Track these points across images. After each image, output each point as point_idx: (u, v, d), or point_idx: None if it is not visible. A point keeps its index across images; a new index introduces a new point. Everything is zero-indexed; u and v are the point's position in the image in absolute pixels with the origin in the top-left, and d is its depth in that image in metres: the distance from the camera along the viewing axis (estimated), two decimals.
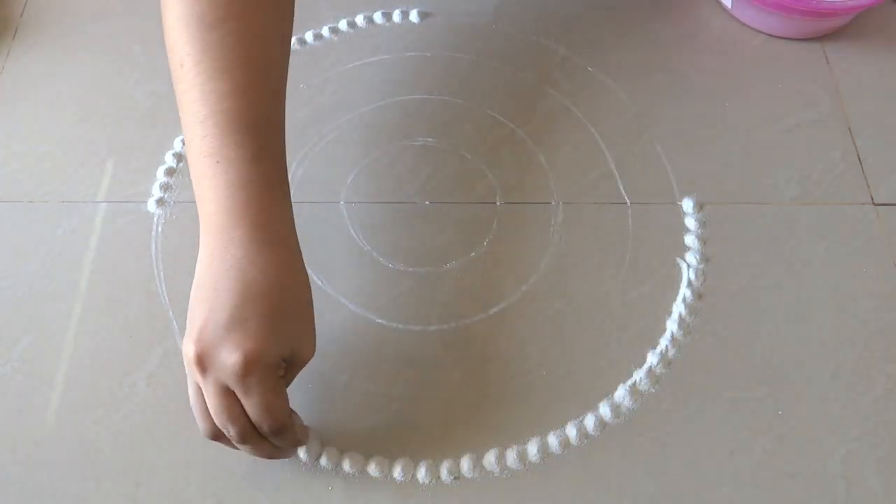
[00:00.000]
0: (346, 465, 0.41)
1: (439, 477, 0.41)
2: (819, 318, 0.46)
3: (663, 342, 0.45)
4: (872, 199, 0.51)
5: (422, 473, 0.41)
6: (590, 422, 0.43)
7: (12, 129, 0.54)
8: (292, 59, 0.58)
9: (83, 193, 0.51)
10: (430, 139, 0.53)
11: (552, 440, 0.42)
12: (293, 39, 0.58)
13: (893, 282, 0.47)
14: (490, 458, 0.42)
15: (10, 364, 0.45)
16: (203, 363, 0.35)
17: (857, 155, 0.53)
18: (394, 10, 0.59)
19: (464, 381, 0.44)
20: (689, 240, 0.49)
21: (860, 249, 0.49)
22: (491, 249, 0.49)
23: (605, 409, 0.43)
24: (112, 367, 0.45)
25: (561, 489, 0.41)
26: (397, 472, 0.41)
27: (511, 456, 0.42)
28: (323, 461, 0.42)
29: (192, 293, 0.37)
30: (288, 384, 0.38)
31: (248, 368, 0.34)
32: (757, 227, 0.49)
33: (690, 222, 0.50)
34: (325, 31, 0.58)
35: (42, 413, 0.43)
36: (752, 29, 0.59)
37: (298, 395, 0.44)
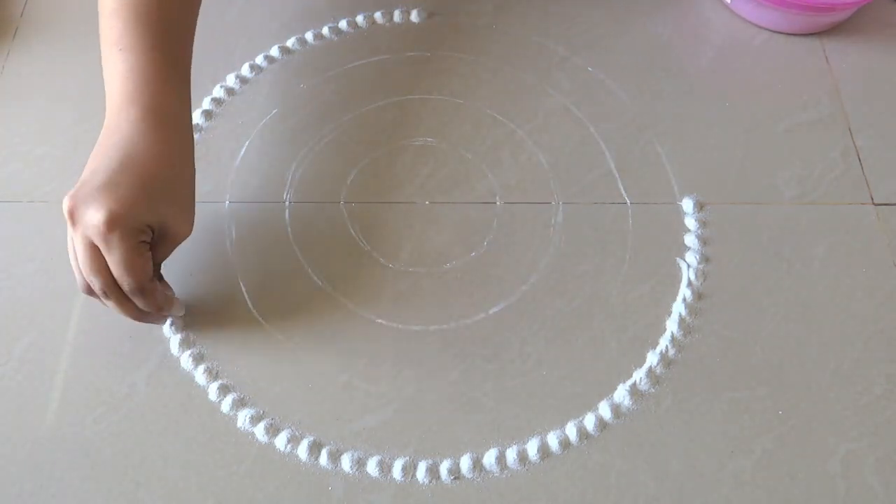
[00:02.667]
0: (346, 465, 0.41)
1: (439, 477, 0.41)
2: (819, 318, 0.46)
3: (663, 342, 0.45)
4: (872, 199, 0.51)
5: (422, 473, 0.41)
6: (590, 422, 0.43)
7: (12, 129, 0.54)
8: (292, 59, 0.58)
9: None
10: (430, 139, 0.53)
11: (552, 440, 0.42)
12: (293, 39, 0.58)
13: (893, 282, 0.47)
14: (490, 458, 0.42)
15: (10, 364, 0.45)
16: (73, 217, 0.39)
17: (857, 155, 0.53)
18: (394, 10, 0.59)
19: (464, 381, 0.44)
20: (689, 240, 0.49)
21: (860, 249, 0.49)
22: (491, 249, 0.49)
23: (605, 409, 0.43)
24: (112, 367, 0.45)
25: (561, 489, 0.41)
26: (397, 472, 0.41)
27: (511, 456, 0.42)
28: (323, 461, 0.42)
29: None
30: (162, 257, 0.43)
31: (110, 226, 0.38)
32: (757, 227, 0.50)
33: (690, 222, 0.50)
34: (325, 31, 0.58)
35: (42, 413, 0.43)
36: (753, 27, 0.59)
37: (298, 394, 0.44)
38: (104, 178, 0.40)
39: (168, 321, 0.45)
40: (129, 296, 0.41)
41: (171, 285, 0.47)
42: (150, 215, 0.40)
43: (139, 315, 0.43)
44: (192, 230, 0.43)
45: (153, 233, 0.41)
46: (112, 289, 0.40)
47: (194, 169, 0.44)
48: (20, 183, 0.52)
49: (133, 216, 0.39)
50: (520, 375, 0.44)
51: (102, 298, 0.41)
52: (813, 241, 0.49)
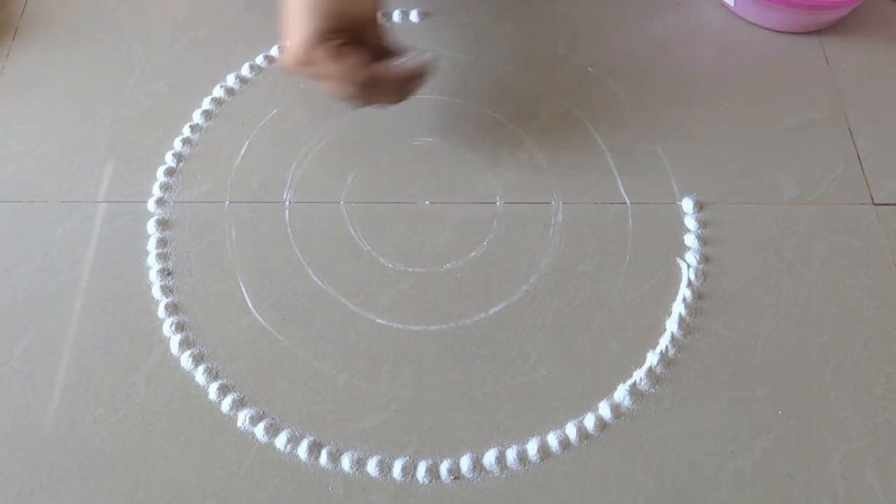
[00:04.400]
0: (346, 465, 0.41)
1: (439, 477, 0.41)
2: (819, 318, 0.46)
3: (663, 342, 0.45)
4: (872, 199, 0.51)
5: (421, 473, 0.41)
6: (590, 422, 0.43)
7: (12, 129, 0.54)
8: None
9: (83, 193, 0.51)
10: (430, 139, 0.53)
11: (552, 440, 0.42)
12: None
13: (893, 282, 0.47)
14: (490, 458, 0.42)
15: (10, 364, 0.45)
16: (302, 64, 0.44)
17: (857, 155, 0.53)
18: (394, 10, 0.59)
19: (464, 381, 0.44)
20: (689, 240, 0.49)
21: (860, 249, 0.49)
22: (491, 249, 0.49)
23: (605, 409, 0.43)
24: (112, 367, 0.45)
25: (561, 489, 0.41)
26: (397, 472, 0.41)
27: (511, 456, 0.42)
28: (323, 461, 0.42)
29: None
30: (373, 45, 0.46)
31: (300, 52, 0.43)
32: (757, 227, 0.50)
33: (690, 222, 0.50)
34: None
35: (42, 413, 0.43)
36: (753, 27, 0.59)
37: (298, 394, 0.44)
38: (303, 16, 0.43)
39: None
40: (416, 77, 0.46)
41: (171, 285, 0.47)
42: (330, 21, 0.43)
43: (403, 93, 0.47)
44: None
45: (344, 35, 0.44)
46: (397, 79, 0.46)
47: None
48: (20, 183, 0.52)
49: (311, 36, 0.43)
50: (520, 375, 0.44)
51: (396, 94, 0.47)
52: (813, 241, 0.49)
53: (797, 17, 0.57)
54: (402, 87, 0.47)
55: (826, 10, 0.56)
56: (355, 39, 0.44)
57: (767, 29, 0.59)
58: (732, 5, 0.59)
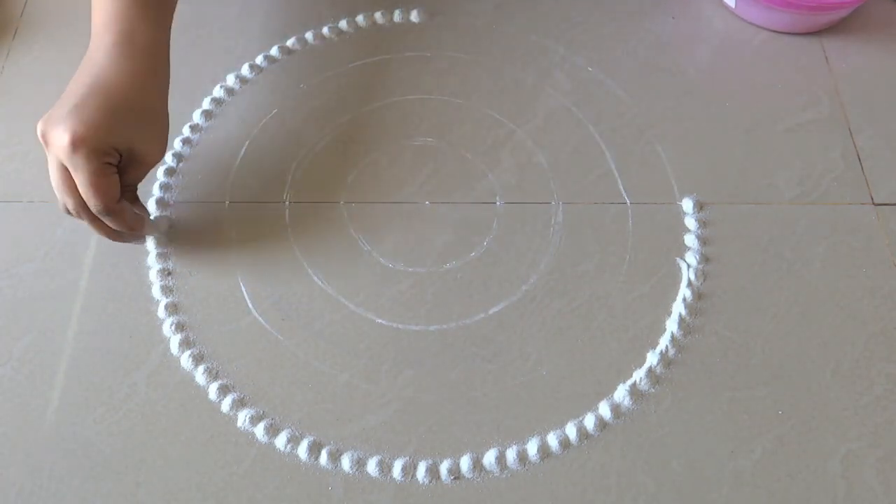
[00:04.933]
0: (346, 465, 0.41)
1: (439, 477, 0.41)
2: (819, 318, 0.46)
3: (663, 342, 0.45)
4: (872, 199, 0.51)
5: (421, 473, 0.41)
6: (590, 422, 0.43)
7: (12, 129, 0.54)
8: (292, 59, 0.58)
9: None
10: (430, 139, 0.53)
11: (552, 440, 0.42)
12: (293, 39, 0.58)
13: (893, 282, 0.47)
14: (490, 458, 0.42)
15: (10, 364, 0.45)
16: (46, 139, 0.41)
17: (857, 155, 0.53)
18: (394, 10, 0.59)
19: (464, 381, 0.44)
20: (689, 240, 0.49)
21: (860, 249, 0.49)
22: (491, 249, 0.49)
23: (605, 409, 0.43)
24: (112, 367, 0.45)
25: (561, 489, 0.41)
26: (397, 472, 0.41)
27: (511, 456, 0.42)
28: (323, 461, 0.42)
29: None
30: (135, 180, 0.45)
31: (75, 146, 0.40)
32: (757, 227, 0.49)
33: (690, 222, 0.50)
34: (325, 31, 0.58)
35: (42, 413, 0.43)
36: (753, 27, 0.59)
37: (298, 394, 0.44)
38: (74, 101, 0.41)
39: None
40: (98, 216, 0.43)
41: (171, 285, 0.47)
42: (115, 137, 0.42)
43: (113, 234, 0.45)
44: (162, 156, 0.45)
45: (121, 156, 0.43)
46: (83, 208, 0.43)
47: (167, 95, 0.46)
48: (20, 183, 0.52)
49: (97, 137, 0.41)
50: (520, 375, 0.44)
51: (76, 218, 0.43)
52: (813, 241, 0.49)
53: (798, 18, 0.57)
54: (128, 227, 0.45)
55: (826, 11, 0.56)
56: (125, 164, 0.43)
57: (768, 29, 0.59)
58: (733, 6, 0.59)
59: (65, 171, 0.41)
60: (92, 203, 0.42)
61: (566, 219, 0.50)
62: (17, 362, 0.45)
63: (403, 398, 0.44)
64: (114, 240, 0.46)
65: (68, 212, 0.43)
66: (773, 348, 0.45)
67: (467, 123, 0.54)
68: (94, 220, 0.43)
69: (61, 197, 0.42)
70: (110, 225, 0.44)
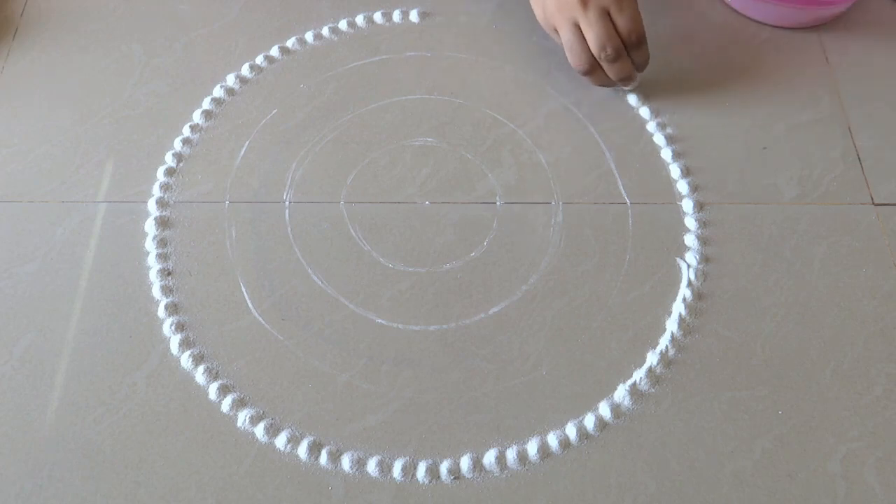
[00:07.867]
0: (346, 465, 0.41)
1: (439, 477, 0.41)
2: (819, 318, 0.46)
3: (663, 342, 0.45)
4: (872, 199, 0.51)
5: (421, 473, 0.41)
6: (590, 422, 0.43)
7: (12, 129, 0.54)
8: (292, 59, 0.58)
9: (83, 193, 0.51)
10: (430, 139, 0.53)
11: (552, 440, 0.42)
12: (293, 39, 0.58)
13: (893, 282, 0.47)
14: (490, 458, 0.42)
15: (10, 364, 0.45)
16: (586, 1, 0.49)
17: (857, 155, 0.53)
18: (394, 10, 0.59)
19: (464, 381, 0.44)
20: (689, 240, 0.49)
21: (860, 249, 0.49)
22: (491, 249, 0.49)
23: (605, 409, 0.43)
24: (112, 367, 0.45)
25: (561, 489, 0.41)
26: (397, 472, 0.41)
27: (511, 456, 0.42)
28: (323, 461, 0.42)
29: None
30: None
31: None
32: (757, 227, 0.50)
33: (690, 222, 0.50)
34: (325, 31, 0.58)
35: (42, 413, 0.43)
36: (753, 25, 0.59)
37: (298, 394, 0.44)
38: None
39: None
40: (632, 49, 0.51)
41: (171, 285, 0.47)
42: None
43: (608, 81, 0.53)
44: None
45: None
46: (622, 49, 0.50)
47: None
48: (20, 183, 0.52)
49: None
50: (520, 375, 0.44)
51: (609, 63, 0.51)
52: (813, 241, 0.49)
53: (796, 12, 0.57)
54: (645, 59, 0.52)
55: (825, 6, 0.56)
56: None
57: (768, 25, 0.59)
58: (731, 2, 0.59)
59: (608, 19, 0.49)
60: (635, 34, 0.50)
61: (566, 219, 0.50)
62: (17, 362, 0.45)
63: (403, 398, 0.44)
64: (607, 85, 0.53)
65: (592, 70, 0.51)
66: (773, 348, 0.45)
67: (467, 123, 0.54)
68: (625, 60, 0.51)
69: (603, 45, 0.50)
70: (637, 59, 0.52)
